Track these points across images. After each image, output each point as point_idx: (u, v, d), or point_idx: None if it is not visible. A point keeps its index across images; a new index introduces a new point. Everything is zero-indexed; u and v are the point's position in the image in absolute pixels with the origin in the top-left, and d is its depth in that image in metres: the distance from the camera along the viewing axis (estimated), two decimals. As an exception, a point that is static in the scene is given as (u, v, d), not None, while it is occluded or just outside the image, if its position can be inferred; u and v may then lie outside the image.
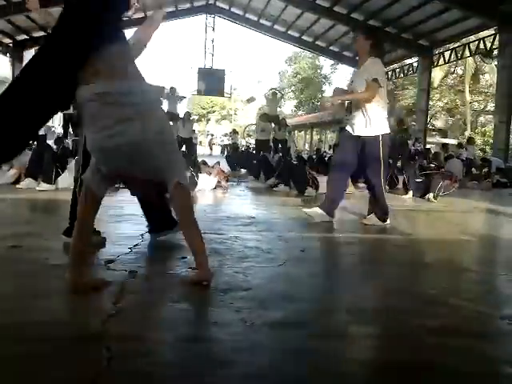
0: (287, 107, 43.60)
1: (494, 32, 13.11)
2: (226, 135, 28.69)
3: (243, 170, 10.49)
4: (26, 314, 1.71)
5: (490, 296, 2.33)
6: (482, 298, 2.27)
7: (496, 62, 13.68)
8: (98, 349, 1.44)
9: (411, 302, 2.09)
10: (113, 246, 2.77)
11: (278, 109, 17.40)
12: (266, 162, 8.15)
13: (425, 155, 11.01)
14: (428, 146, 15.83)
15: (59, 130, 16.92)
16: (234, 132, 22.29)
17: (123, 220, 3.76)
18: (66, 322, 1.68)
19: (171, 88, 14.57)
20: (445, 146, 13.58)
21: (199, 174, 6.31)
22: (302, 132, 38.37)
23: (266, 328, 1.69)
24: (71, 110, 13.49)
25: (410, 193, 6.90)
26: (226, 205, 5.43)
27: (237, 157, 12.05)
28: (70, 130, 12.40)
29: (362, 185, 8.21)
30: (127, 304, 1.83)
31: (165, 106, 14.75)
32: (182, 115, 14.02)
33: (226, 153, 20.24)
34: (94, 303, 1.84)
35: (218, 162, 7.44)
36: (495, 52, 13.03)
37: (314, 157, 13.29)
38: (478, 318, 1.95)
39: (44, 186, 5.47)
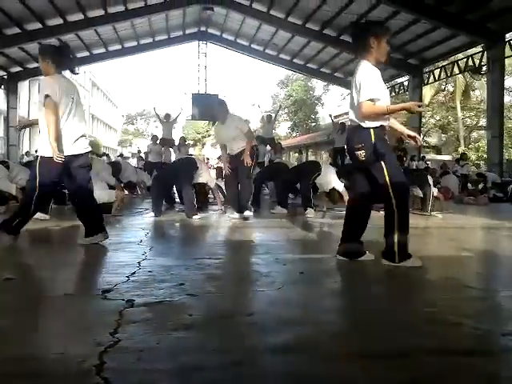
0: (282, 129, 43.91)
1: (481, 49, 13.33)
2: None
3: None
4: (23, 347, 1.68)
5: (490, 313, 2.30)
6: (482, 314, 2.24)
7: (485, 78, 13.88)
8: (97, 382, 1.40)
9: (411, 321, 2.07)
10: (110, 275, 2.74)
11: (273, 131, 17.54)
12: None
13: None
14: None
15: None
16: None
17: (120, 248, 3.73)
18: (63, 355, 1.65)
19: (166, 114, 14.70)
20: (444, 163, 13.68)
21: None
22: (297, 153, 38.60)
23: (268, 353, 1.66)
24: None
25: None
26: (223, 228, 5.41)
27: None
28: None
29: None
30: (125, 334, 1.80)
31: (160, 131, 14.87)
32: (177, 141, 14.10)
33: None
34: (91, 335, 1.80)
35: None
36: (484, 68, 13.24)
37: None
38: (480, 336, 1.92)
39: (39, 215, 5.35)
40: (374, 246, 3.42)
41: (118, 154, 29.63)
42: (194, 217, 5.78)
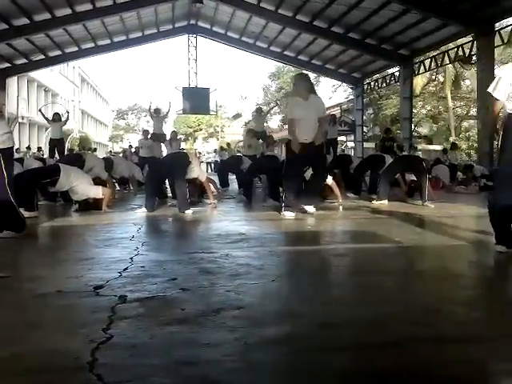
0: (273, 122, 43.85)
1: (471, 39, 13.36)
2: (214, 151, 28.66)
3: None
4: (20, 344, 1.67)
5: (483, 301, 2.32)
6: (475, 303, 2.26)
7: (475, 68, 13.92)
8: (89, 378, 1.40)
9: (406, 311, 2.08)
10: (102, 271, 2.73)
11: (265, 124, 17.50)
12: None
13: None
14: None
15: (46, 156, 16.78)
16: (222, 149, 22.28)
17: (112, 244, 3.72)
18: (55, 352, 1.64)
19: (156, 109, 14.62)
20: (438, 158, 13.63)
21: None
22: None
23: (260, 346, 1.66)
24: (58, 136, 13.47)
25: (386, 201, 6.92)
26: (215, 222, 5.40)
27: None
28: (56, 155, 12.35)
29: (351, 195, 8.27)
30: (118, 330, 1.79)
31: (150, 126, 14.81)
32: (168, 135, 14.04)
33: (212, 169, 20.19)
34: (84, 331, 1.79)
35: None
36: (474, 58, 13.27)
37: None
38: (473, 323, 1.94)
39: (27, 213, 5.28)
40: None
41: (108, 151, 29.24)
42: (186, 211, 5.76)
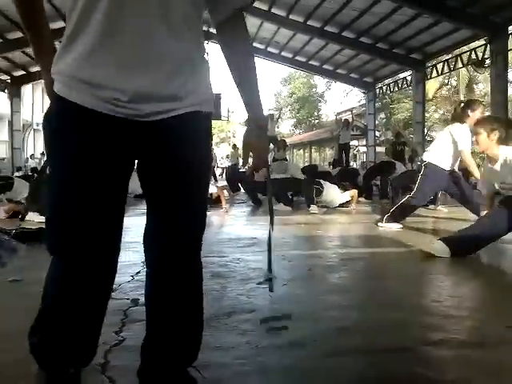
0: (285, 127, 43.90)
1: (484, 42, 13.25)
2: (227, 156, 28.60)
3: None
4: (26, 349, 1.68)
5: (493, 305, 2.29)
6: (484, 307, 2.23)
7: (489, 72, 13.80)
8: (102, 380, 1.41)
9: (416, 315, 2.06)
10: (114, 275, 2.74)
11: (276, 129, 17.54)
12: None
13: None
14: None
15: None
16: (234, 147, 22.03)
17: (124, 248, 3.71)
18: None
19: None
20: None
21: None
22: (301, 150, 38.57)
23: (271, 350, 1.66)
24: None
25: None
26: (226, 226, 5.41)
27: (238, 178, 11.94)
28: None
29: (362, 199, 8.23)
30: (130, 333, 1.80)
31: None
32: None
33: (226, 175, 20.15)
34: (97, 334, 1.80)
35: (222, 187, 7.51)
36: (487, 61, 13.15)
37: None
38: (483, 328, 1.92)
39: (41, 217, 5.35)
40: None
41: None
42: None
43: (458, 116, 4.80)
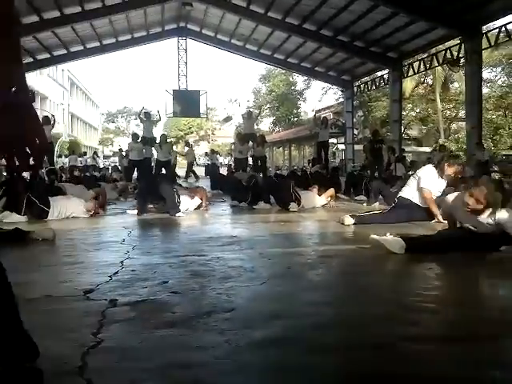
0: (264, 124, 43.94)
1: (459, 41, 13.50)
2: (206, 154, 28.50)
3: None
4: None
5: (470, 298, 2.34)
6: (462, 301, 2.28)
7: (463, 70, 14.06)
8: (79, 383, 1.39)
9: (395, 311, 2.09)
10: (92, 275, 2.71)
11: (255, 127, 17.53)
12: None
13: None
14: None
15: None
16: (213, 152, 22.19)
17: (102, 248, 3.70)
18: (45, 356, 1.62)
19: (146, 113, 14.58)
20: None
21: (182, 197, 6.27)
22: (281, 148, 38.68)
23: (251, 348, 1.66)
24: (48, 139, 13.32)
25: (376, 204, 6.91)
26: (207, 225, 5.39)
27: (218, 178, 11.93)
28: (45, 158, 12.25)
29: (342, 196, 8.32)
30: (108, 334, 1.78)
31: (141, 130, 14.76)
32: (158, 139, 14.01)
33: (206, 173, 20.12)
34: (74, 336, 1.78)
35: (203, 187, 7.43)
36: (462, 60, 13.40)
37: (299, 173, 13.51)
38: (460, 321, 1.96)
39: (14, 217, 5.25)
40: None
41: (93, 153, 28.39)
42: (177, 214, 5.74)
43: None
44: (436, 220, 4.83)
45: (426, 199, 4.94)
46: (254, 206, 6.88)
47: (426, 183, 4.97)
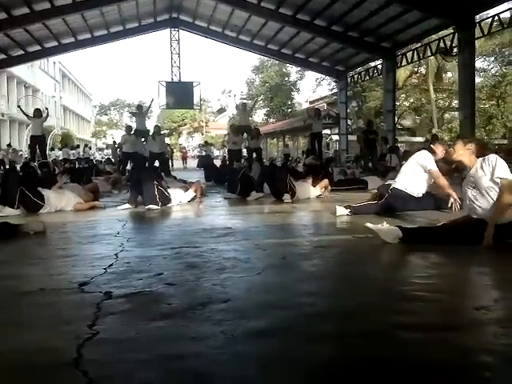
0: (258, 116, 43.81)
1: (452, 31, 13.47)
2: (199, 146, 28.48)
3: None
4: (3, 343, 1.65)
5: (463, 288, 2.37)
6: (456, 290, 2.30)
7: (457, 60, 14.05)
8: (75, 375, 1.39)
9: (390, 300, 2.11)
10: (87, 268, 2.71)
11: (250, 118, 17.49)
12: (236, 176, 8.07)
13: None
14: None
15: (26, 154, 16.54)
16: (206, 144, 22.15)
17: (96, 241, 3.69)
18: (41, 349, 1.62)
19: (138, 105, 14.50)
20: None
21: (175, 190, 6.24)
22: (275, 139, 38.62)
23: (246, 338, 1.67)
24: (39, 133, 13.27)
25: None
26: (202, 217, 5.39)
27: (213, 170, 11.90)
28: (38, 152, 12.18)
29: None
30: (104, 326, 1.78)
31: (134, 122, 14.69)
32: (151, 131, 13.94)
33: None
34: (69, 328, 1.78)
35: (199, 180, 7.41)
36: (455, 50, 13.39)
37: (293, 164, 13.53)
38: (454, 310, 1.98)
39: (7, 211, 5.19)
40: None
41: (84, 146, 28.04)
42: (147, 207, 5.66)
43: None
44: (452, 200, 4.50)
45: (439, 178, 4.82)
46: (248, 198, 6.84)
47: (432, 164, 4.84)
